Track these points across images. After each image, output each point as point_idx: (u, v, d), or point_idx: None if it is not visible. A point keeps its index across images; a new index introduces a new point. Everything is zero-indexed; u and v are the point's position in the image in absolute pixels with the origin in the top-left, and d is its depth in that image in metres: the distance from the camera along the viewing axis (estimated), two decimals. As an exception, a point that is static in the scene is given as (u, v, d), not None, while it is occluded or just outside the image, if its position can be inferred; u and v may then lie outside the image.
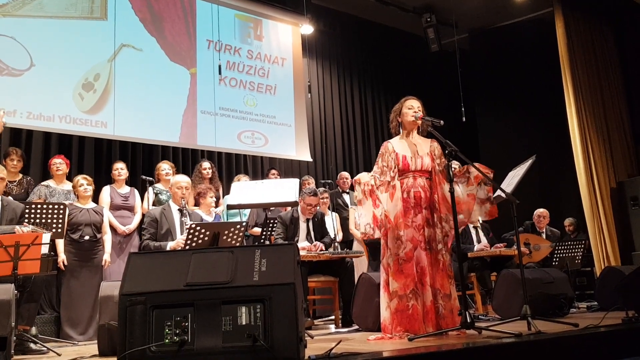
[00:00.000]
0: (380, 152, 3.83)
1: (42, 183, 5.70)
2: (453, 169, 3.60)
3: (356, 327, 4.74)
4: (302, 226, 5.53)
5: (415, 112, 3.79)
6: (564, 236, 7.60)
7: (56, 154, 6.39)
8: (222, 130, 7.74)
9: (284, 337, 2.35)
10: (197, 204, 6.02)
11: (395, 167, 3.71)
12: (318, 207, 5.75)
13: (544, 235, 7.12)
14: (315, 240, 5.45)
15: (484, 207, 3.71)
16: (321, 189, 6.58)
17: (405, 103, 3.86)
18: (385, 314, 3.62)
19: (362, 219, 3.76)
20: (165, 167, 6.17)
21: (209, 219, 5.46)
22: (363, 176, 3.81)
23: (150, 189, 5.87)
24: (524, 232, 7.16)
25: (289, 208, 5.55)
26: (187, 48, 7.71)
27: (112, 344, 3.48)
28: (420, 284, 3.58)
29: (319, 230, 5.61)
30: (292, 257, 2.56)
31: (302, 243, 5.35)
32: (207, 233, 4.04)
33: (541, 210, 7.27)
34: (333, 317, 5.64)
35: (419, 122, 3.80)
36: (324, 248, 5.30)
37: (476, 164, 3.66)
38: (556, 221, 7.61)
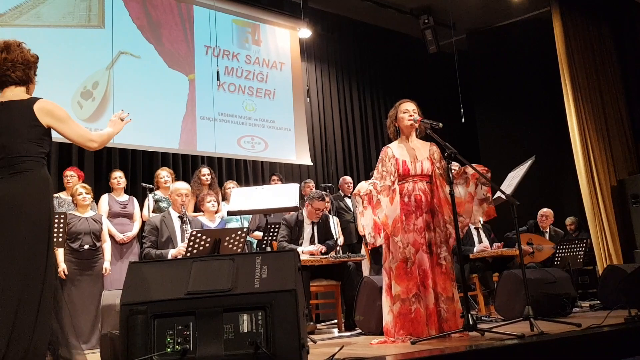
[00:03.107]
0: (380, 158, 3.82)
1: (54, 195, 5.77)
2: (452, 171, 3.60)
3: (359, 330, 4.73)
4: (307, 229, 5.53)
5: (411, 115, 3.78)
6: (567, 236, 7.58)
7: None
8: (221, 135, 7.74)
9: (286, 344, 2.35)
10: (199, 211, 6.01)
11: (395, 172, 3.71)
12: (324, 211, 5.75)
13: (547, 236, 7.11)
14: (319, 244, 5.44)
15: (482, 207, 3.70)
16: (322, 192, 6.58)
17: (400, 107, 3.84)
18: (387, 318, 3.62)
19: (366, 229, 3.77)
20: (164, 174, 6.15)
21: (213, 225, 5.43)
22: (362, 186, 3.81)
23: (150, 196, 5.86)
24: (527, 231, 7.14)
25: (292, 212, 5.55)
26: (185, 54, 7.72)
27: (114, 353, 3.47)
28: (423, 287, 3.57)
29: (324, 233, 5.60)
30: (293, 263, 2.56)
31: (310, 247, 5.35)
32: (208, 240, 4.04)
33: (545, 209, 7.26)
34: (336, 321, 5.63)
35: (417, 125, 3.80)
36: (325, 250, 5.30)
37: (473, 164, 3.66)
38: (557, 220, 7.60)
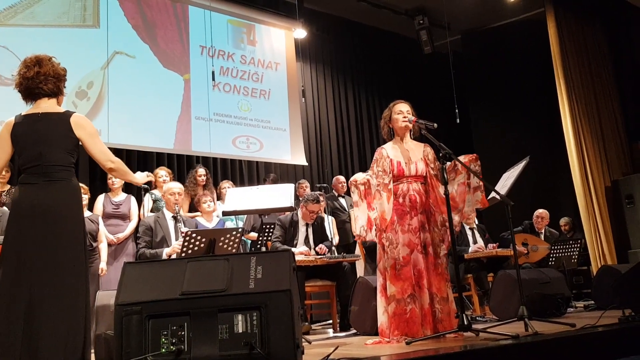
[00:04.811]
0: (374, 158, 3.82)
1: None
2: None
3: (354, 331, 4.73)
4: (302, 230, 5.52)
5: (405, 116, 3.78)
6: (561, 236, 7.61)
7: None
8: (216, 135, 7.73)
9: (281, 344, 2.35)
10: (194, 211, 5.99)
11: (390, 173, 3.71)
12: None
13: (542, 237, 7.13)
14: (315, 245, 5.44)
15: (476, 195, 3.70)
16: (317, 192, 6.58)
17: (394, 108, 3.84)
18: (382, 318, 3.62)
19: (358, 221, 3.76)
20: (162, 173, 6.11)
21: (210, 225, 5.40)
22: (358, 176, 3.78)
23: (147, 195, 5.84)
24: (522, 231, 7.17)
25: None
26: (180, 54, 7.70)
27: (109, 353, 3.46)
28: (418, 287, 3.57)
29: (319, 235, 5.60)
30: (288, 263, 2.56)
31: (301, 247, 5.34)
32: (203, 240, 4.03)
33: (540, 210, 7.28)
34: (331, 321, 5.63)
35: (411, 126, 3.80)
36: (327, 251, 5.29)
37: (460, 157, 3.65)
38: (552, 221, 7.63)
